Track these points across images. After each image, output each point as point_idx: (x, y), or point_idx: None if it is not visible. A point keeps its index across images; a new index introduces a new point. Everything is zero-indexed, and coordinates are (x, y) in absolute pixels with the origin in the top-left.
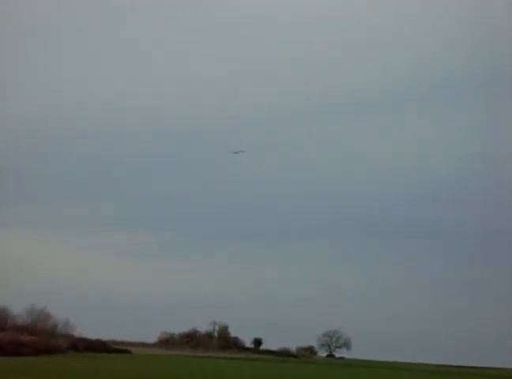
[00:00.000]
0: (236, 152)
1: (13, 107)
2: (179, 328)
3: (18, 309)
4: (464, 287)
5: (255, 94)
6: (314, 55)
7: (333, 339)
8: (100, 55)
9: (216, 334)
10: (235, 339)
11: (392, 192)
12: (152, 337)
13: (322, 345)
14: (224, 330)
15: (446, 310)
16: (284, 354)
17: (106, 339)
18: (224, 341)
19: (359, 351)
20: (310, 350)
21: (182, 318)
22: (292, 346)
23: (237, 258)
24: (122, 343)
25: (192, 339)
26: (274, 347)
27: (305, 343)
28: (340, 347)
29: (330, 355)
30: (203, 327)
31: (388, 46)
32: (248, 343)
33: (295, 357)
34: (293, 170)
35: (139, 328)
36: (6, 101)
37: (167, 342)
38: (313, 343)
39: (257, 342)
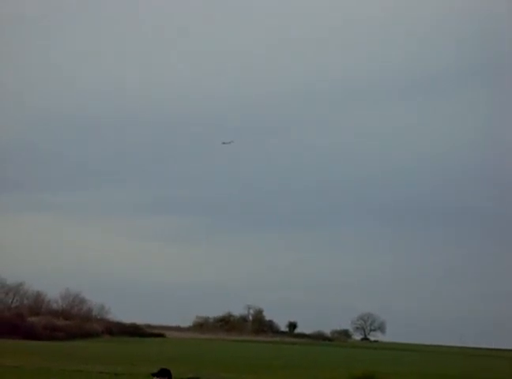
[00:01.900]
0: (225, 143)
1: (38, 94)
2: (214, 311)
3: (53, 293)
4: (496, 269)
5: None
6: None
7: (368, 323)
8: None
9: (250, 318)
10: (270, 322)
11: (410, 177)
12: (186, 321)
13: (357, 328)
14: (258, 314)
15: (480, 293)
16: (319, 337)
17: (140, 324)
18: (259, 325)
19: (394, 334)
20: (344, 334)
21: (217, 302)
22: (327, 329)
23: (271, 242)
24: (156, 327)
25: (226, 323)
26: (309, 331)
27: (339, 327)
28: (374, 330)
29: (365, 338)
30: (237, 311)
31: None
32: (283, 327)
33: (330, 340)
34: (315, 152)
35: (174, 312)
36: (36, 88)
37: (202, 326)
38: (347, 326)
39: (292, 325)
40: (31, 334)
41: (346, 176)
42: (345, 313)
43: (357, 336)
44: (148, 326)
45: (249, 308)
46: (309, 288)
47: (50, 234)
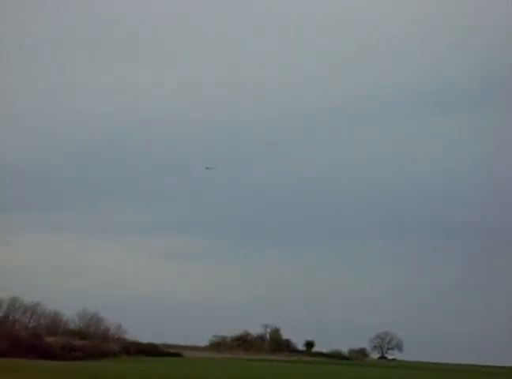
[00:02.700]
0: (208, 168)
1: (66, 112)
2: (231, 331)
3: (70, 313)
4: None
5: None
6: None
7: (385, 341)
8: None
9: (267, 337)
10: (287, 341)
11: (424, 191)
12: (203, 340)
13: (374, 347)
14: (275, 333)
15: (500, 310)
16: (336, 356)
17: (158, 343)
18: (276, 344)
19: (412, 353)
20: (362, 352)
21: (234, 321)
22: (344, 348)
23: (288, 260)
24: (173, 346)
25: (244, 342)
26: (326, 350)
27: (357, 345)
28: (392, 349)
29: (382, 357)
30: (255, 330)
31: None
32: (300, 346)
33: (347, 359)
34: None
35: (191, 331)
36: (62, 106)
37: (219, 345)
38: (365, 345)
39: (309, 344)
40: (48, 354)
41: (358, 191)
42: (362, 332)
43: (374, 355)
44: (166, 345)
45: (266, 327)
46: (326, 307)
47: (67, 253)
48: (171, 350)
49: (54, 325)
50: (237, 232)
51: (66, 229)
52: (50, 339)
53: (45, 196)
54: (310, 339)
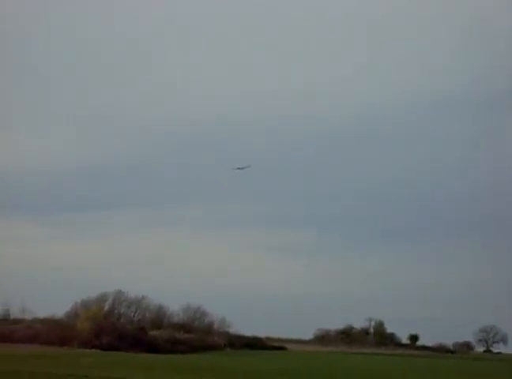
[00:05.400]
0: (240, 168)
1: (182, 112)
2: (335, 324)
3: (174, 307)
4: None
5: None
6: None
7: (490, 335)
8: None
9: (371, 330)
10: (391, 335)
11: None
12: (307, 334)
13: (479, 340)
14: (379, 326)
15: None
16: (441, 349)
17: (262, 336)
18: (380, 337)
19: None
20: (467, 346)
21: (338, 315)
22: (449, 341)
23: (391, 255)
24: (277, 339)
25: (348, 336)
26: (430, 343)
27: (462, 339)
28: (497, 342)
29: (487, 351)
30: (359, 323)
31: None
32: (404, 339)
33: (452, 352)
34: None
35: (295, 324)
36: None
37: (323, 338)
38: (470, 338)
39: (414, 338)
40: (153, 347)
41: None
42: (467, 325)
43: (479, 348)
44: (269, 339)
45: (370, 320)
46: (430, 301)
47: (173, 247)
48: (275, 344)
49: (159, 319)
50: (341, 228)
51: (173, 224)
52: (154, 333)
53: (159, 192)
54: (414, 332)
